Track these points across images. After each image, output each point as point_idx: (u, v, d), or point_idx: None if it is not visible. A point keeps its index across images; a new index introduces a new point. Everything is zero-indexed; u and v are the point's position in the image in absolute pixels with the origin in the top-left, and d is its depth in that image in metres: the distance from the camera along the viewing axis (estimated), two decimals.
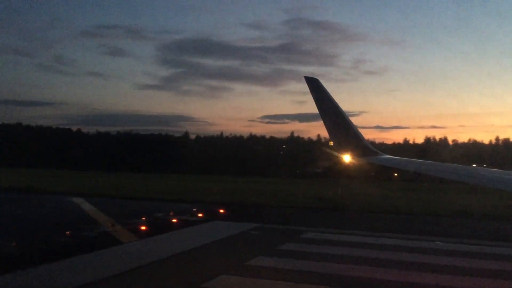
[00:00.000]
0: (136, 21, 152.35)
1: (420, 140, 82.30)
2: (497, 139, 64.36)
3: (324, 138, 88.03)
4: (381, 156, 13.13)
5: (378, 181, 48.17)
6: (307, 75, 12.93)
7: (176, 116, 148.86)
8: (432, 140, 76.46)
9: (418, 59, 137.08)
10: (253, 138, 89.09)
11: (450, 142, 76.18)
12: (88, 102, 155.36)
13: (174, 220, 24.60)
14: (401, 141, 74.15)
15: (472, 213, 28.35)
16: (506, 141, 66.44)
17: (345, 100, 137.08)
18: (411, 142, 75.65)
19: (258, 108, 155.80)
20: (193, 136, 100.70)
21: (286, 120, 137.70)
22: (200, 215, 26.40)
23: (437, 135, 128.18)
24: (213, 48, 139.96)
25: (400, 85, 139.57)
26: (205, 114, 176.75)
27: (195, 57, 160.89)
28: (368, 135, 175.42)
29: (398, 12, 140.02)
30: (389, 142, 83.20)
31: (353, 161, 13.24)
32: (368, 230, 22.97)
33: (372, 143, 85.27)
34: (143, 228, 22.04)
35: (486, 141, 68.73)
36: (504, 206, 29.28)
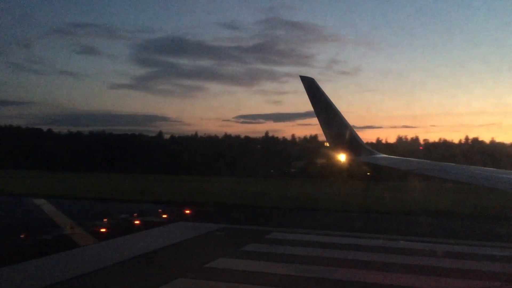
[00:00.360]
0: (109, 20, 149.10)
1: (392, 139, 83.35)
2: (466, 138, 65.73)
3: (311, 135, 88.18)
4: (376, 155, 13.15)
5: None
6: (303, 75, 12.88)
7: (150, 116, 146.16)
8: (404, 139, 77.54)
9: (391, 60, 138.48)
10: (227, 138, 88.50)
11: (421, 141, 77.37)
12: (60, 102, 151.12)
13: (137, 222, 23.87)
14: (374, 140, 74.68)
15: (452, 212, 28.41)
16: (475, 140, 68.01)
17: None
18: (383, 141, 76.53)
19: (233, 108, 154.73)
20: (167, 136, 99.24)
21: (261, 120, 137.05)
22: (165, 216, 25.73)
23: (409, 134, 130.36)
24: (188, 48, 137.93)
25: (373, 85, 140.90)
26: (179, 114, 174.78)
27: (169, 57, 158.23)
28: None
29: (371, 13, 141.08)
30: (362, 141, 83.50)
31: (349, 160, 13.21)
32: (335, 230, 22.74)
33: None
34: (103, 230, 21.27)
35: (456, 141, 70.15)
36: (483, 205, 29.57)
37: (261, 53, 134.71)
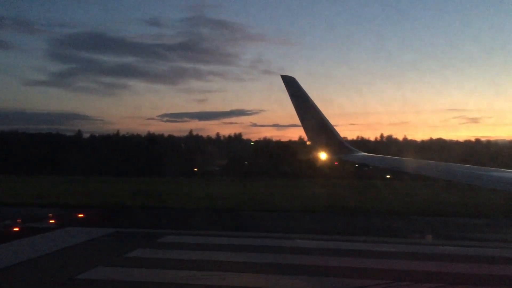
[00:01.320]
0: (25, 13, 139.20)
1: None
2: (381, 136, 68.33)
3: (235, 134, 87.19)
4: (356, 154, 13.19)
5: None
6: (284, 74, 13.02)
7: (69, 114, 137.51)
8: None
9: (315, 60, 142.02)
10: (151, 136, 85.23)
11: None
12: None
13: (16, 229, 21.36)
14: (296, 138, 75.88)
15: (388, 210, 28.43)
16: (389, 137, 70.93)
17: (244, 99, 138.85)
18: (304, 139, 77.69)
19: (157, 106, 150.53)
20: (87, 135, 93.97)
21: (186, 119, 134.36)
22: (52, 221, 23.37)
23: None
24: (109, 44, 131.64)
25: None
26: (100, 112, 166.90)
27: (90, 53, 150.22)
28: (266, 133, 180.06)
29: (297, 14, 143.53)
30: (286, 139, 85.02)
31: (330, 158, 13.48)
32: (234, 231, 21.77)
33: (270, 141, 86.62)
34: None
35: (372, 138, 72.90)
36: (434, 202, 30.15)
37: (186, 51, 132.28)
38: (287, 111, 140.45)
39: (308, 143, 13.52)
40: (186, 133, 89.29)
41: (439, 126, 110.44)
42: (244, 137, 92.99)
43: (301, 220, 25.41)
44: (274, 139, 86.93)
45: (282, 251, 17.63)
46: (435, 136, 65.42)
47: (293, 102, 12.84)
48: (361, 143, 71.87)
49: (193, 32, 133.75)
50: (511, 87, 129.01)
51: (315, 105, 12.96)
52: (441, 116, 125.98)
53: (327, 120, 13.13)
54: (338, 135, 13.36)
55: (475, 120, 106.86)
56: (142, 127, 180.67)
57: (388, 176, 46.06)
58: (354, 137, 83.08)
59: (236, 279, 13.80)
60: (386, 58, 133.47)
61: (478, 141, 67.99)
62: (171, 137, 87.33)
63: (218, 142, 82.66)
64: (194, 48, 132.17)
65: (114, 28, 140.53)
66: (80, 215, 24.90)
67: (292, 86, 12.87)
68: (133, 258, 16.44)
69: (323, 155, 13.02)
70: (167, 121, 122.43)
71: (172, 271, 14.70)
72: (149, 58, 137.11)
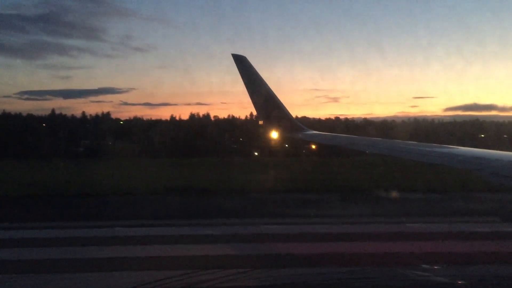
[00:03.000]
0: None
1: (185, 116, 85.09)
2: (251, 114, 70.22)
3: (103, 113, 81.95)
4: (308, 132, 13.31)
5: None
6: (234, 53, 12.81)
7: None
8: (196, 116, 79.30)
9: (185, 37, 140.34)
10: (6, 116, 76.41)
11: (212, 118, 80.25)
12: None
13: None
14: (168, 117, 74.68)
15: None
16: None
17: (113, 76, 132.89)
18: (177, 118, 77.26)
19: (15, 83, 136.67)
20: None
21: (49, 97, 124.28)
22: None
23: (201, 111, 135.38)
24: None
25: (168, 62, 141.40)
26: None
27: None
28: (137, 112, 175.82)
29: None
30: (157, 118, 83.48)
31: (281, 137, 13.81)
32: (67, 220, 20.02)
33: (140, 119, 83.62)
34: None
35: (243, 117, 74.99)
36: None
37: (47, 23, 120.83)
38: (158, 89, 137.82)
39: (261, 122, 13.77)
40: (47, 112, 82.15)
41: (304, 105, 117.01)
42: (113, 116, 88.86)
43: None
44: (145, 118, 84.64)
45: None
46: (300, 114, 69.01)
47: (244, 82, 12.86)
48: (233, 122, 73.05)
49: (55, 3, 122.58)
50: (366, 70, 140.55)
51: (266, 84, 13.04)
52: (305, 96, 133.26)
53: (278, 99, 13.22)
54: (289, 114, 13.51)
55: (335, 100, 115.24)
56: None
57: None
58: (226, 116, 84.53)
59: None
60: (255, 38, 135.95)
61: (337, 118, 74.19)
62: (30, 116, 79.56)
63: (84, 121, 77.38)
64: (56, 21, 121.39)
65: None
66: None
67: (243, 65, 12.83)
68: None
69: (274, 134, 13.17)
70: (27, 99, 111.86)
71: None
72: (3, 30, 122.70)
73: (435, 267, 11.51)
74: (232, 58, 12.80)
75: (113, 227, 18.21)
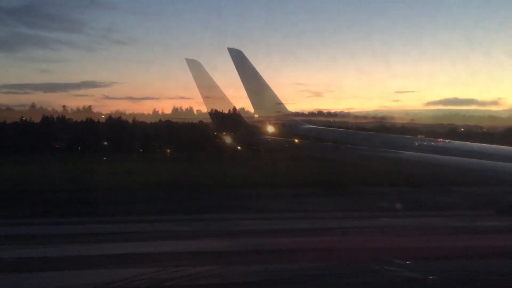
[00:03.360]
0: None
1: (168, 110, 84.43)
2: (234, 108, 69.30)
3: (84, 107, 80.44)
4: (304, 126, 13.40)
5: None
6: (230, 47, 12.95)
7: None
8: (179, 110, 78.90)
9: (167, 31, 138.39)
10: None
11: (195, 112, 79.37)
12: None
13: None
14: (150, 112, 74.04)
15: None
16: (242, 110, 72.71)
17: (95, 70, 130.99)
18: (160, 112, 76.78)
19: None
20: None
21: (29, 90, 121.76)
22: None
23: (184, 105, 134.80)
24: None
25: (150, 56, 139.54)
26: None
27: None
28: (120, 106, 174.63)
29: None
30: (140, 112, 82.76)
31: (279, 132, 13.30)
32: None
33: (123, 113, 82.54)
34: None
35: (226, 111, 73.94)
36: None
37: (26, 15, 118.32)
38: (140, 83, 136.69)
39: (256, 116, 13.58)
40: (27, 107, 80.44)
41: (287, 99, 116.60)
42: (95, 110, 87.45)
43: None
44: (128, 112, 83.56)
45: None
46: None
47: (240, 76, 12.88)
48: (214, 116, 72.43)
49: None
50: (349, 66, 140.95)
51: (262, 78, 13.10)
52: (288, 90, 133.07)
53: (275, 94, 13.31)
54: (286, 108, 13.71)
55: (318, 94, 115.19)
56: None
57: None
58: (209, 110, 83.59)
59: None
60: (237, 32, 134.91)
61: (320, 112, 73.62)
62: (9, 110, 77.82)
63: (65, 115, 75.85)
64: (36, 13, 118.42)
65: None
66: None
67: (239, 60, 12.87)
68: None
69: (270, 128, 13.17)
70: (6, 93, 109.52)
71: None
72: None
73: (407, 262, 11.26)
74: (227, 51, 13.01)
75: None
